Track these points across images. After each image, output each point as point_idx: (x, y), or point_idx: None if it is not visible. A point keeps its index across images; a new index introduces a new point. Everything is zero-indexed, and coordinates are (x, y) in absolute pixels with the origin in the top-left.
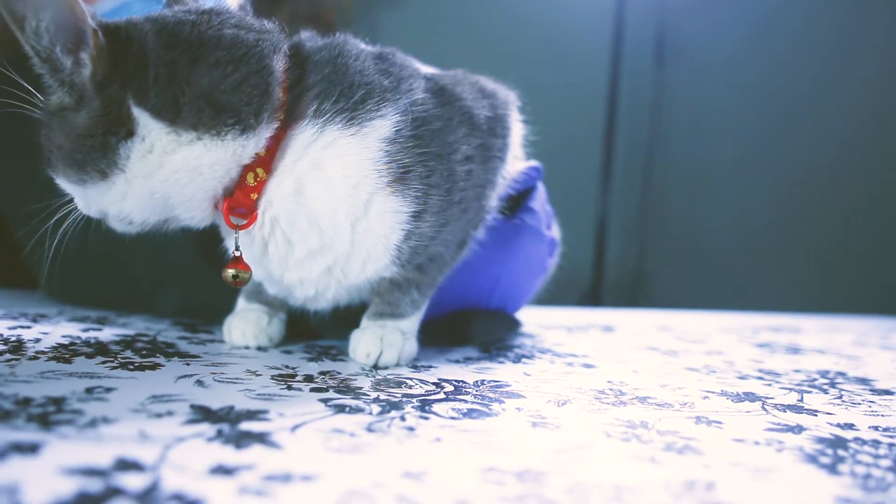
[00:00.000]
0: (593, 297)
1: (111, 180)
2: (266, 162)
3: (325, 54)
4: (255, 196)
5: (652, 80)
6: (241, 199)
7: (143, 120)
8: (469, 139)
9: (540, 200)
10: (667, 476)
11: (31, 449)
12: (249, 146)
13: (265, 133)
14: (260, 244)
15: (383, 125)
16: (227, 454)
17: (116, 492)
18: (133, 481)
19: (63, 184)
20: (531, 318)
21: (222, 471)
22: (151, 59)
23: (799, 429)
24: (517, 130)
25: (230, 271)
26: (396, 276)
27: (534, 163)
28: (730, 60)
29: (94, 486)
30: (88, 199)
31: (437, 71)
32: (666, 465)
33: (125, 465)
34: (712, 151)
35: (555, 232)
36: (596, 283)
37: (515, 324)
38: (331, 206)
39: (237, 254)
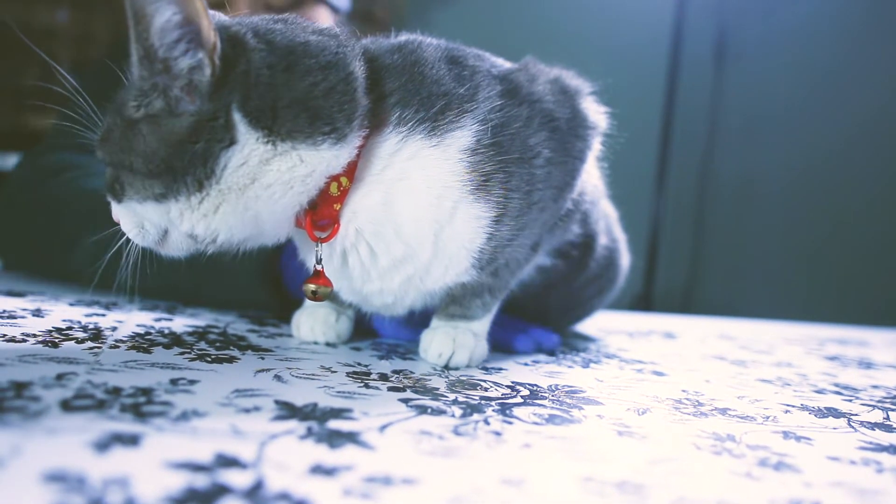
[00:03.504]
0: (644, 301)
1: (205, 191)
2: (350, 170)
3: (399, 60)
4: (339, 206)
5: (710, 85)
6: (324, 210)
7: (243, 127)
8: (549, 142)
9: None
10: (769, 493)
11: (132, 440)
12: (343, 155)
13: (356, 141)
14: (339, 255)
15: (463, 136)
16: (323, 453)
17: (224, 489)
18: (237, 479)
19: (132, 205)
20: (591, 322)
21: (322, 471)
22: (253, 64)
23: (893, 449)
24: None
25: (310, 286)
26: (473, 280)
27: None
28: (790, 66)
29: (201, 482)
30: (167, 216)
31: (508, 64)
32: (765, 482)
33: (226, 461)
34: (769, 159)
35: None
36: (647, 289)
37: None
38: (416, 215)
39: (319, 268)
